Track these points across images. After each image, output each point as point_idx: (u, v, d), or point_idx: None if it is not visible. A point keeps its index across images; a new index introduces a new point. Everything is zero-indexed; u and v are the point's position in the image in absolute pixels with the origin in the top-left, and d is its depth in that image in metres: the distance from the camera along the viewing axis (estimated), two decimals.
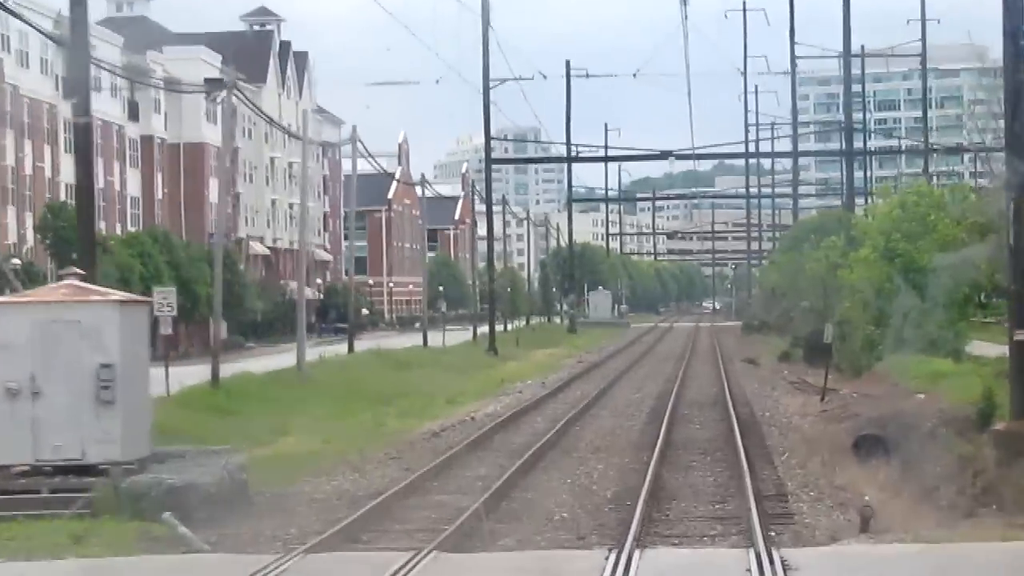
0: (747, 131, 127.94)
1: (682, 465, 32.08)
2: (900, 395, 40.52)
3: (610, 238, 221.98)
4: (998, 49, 29.66)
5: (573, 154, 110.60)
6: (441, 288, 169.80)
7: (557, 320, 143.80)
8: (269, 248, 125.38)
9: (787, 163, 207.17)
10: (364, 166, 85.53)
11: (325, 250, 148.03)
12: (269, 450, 34.50)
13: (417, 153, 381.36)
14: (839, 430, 38.71)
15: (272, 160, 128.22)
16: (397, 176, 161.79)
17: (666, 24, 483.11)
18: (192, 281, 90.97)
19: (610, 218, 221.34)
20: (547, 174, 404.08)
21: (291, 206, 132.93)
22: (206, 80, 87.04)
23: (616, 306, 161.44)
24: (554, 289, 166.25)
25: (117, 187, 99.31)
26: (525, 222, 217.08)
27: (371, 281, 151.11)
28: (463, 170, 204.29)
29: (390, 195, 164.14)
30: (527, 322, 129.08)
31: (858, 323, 56.56)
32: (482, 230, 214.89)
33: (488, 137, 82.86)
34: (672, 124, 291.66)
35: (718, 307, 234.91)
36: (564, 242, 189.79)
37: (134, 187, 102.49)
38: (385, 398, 49.97)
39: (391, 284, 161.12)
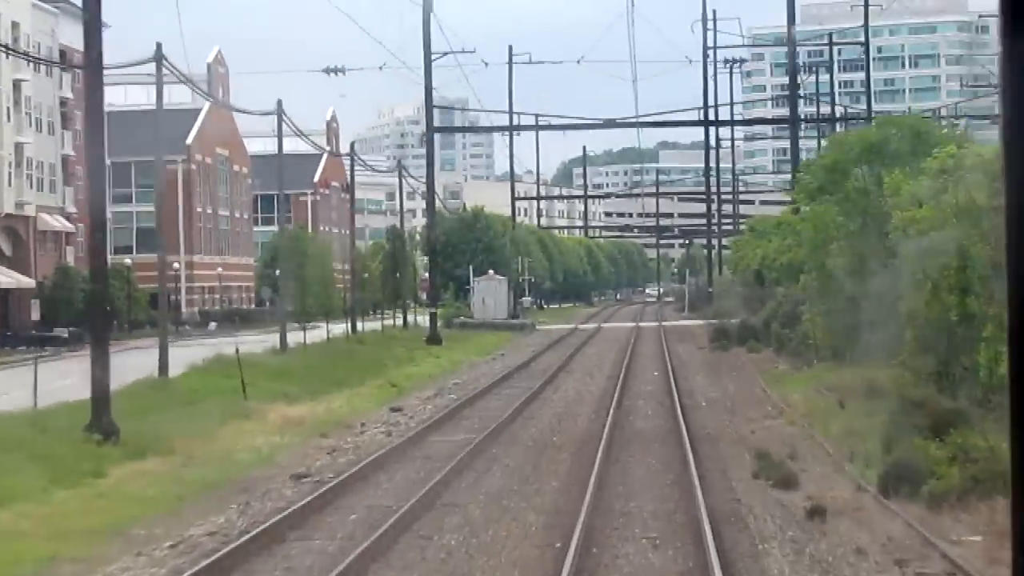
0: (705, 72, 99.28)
1: None
2: None
3: (534, 213, 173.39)
4: None
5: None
6: (278, 273, 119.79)
7: (422, 320, 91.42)
8: None
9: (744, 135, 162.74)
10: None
11: (67, 217, 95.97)
12: None
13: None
14: None
15: None
16: (206, 109, 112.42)
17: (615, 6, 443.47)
18: None
19: (537, 199, 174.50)
20: (475, 148, 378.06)
21: None
22: None
23: (515, 298, 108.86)
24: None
25: None
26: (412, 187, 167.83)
27: (128, 262, 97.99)
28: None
29: (190, 139, 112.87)
30: (352, 328, 77.99)
31: None
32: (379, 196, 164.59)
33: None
34: (618, 106, 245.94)
35: (665, 295, 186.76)
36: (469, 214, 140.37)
37: None
38: None
39: (178, 265, 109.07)
